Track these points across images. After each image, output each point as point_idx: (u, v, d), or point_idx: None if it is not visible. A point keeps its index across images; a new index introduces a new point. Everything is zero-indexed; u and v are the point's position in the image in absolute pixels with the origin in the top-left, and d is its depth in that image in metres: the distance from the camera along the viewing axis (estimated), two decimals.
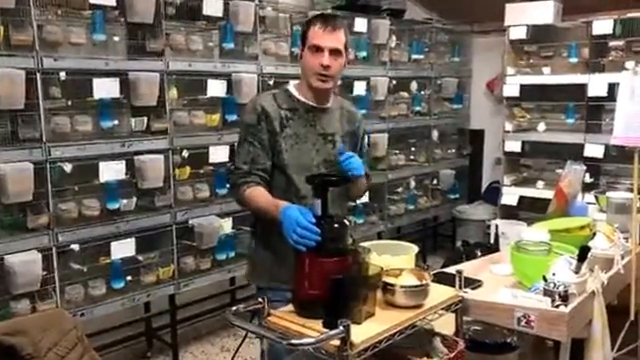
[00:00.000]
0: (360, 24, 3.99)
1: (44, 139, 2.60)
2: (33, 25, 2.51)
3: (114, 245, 2.86)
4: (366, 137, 2.23)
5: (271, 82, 3.43)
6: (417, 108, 4.67)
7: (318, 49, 1.87)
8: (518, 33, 4.31)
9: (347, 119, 2.08)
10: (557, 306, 1.75)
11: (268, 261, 1.97)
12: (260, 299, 1.64)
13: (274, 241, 1.88)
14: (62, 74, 2.63)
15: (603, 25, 3.94)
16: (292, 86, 2.01)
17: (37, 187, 2.57)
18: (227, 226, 3.32)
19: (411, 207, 4.69)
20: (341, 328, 1.42)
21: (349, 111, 2.11)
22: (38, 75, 2.54)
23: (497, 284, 2.00)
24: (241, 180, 1.91)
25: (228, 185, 3.20)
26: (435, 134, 4.90)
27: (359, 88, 4.06)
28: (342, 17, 2.00)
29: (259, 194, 1.88)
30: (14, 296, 2.54)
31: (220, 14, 3.19)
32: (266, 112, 1.91)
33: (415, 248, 1.98)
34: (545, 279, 1.82)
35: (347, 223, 1.68)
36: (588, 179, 3.76)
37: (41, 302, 2.62)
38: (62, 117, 2.68)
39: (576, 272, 1.86)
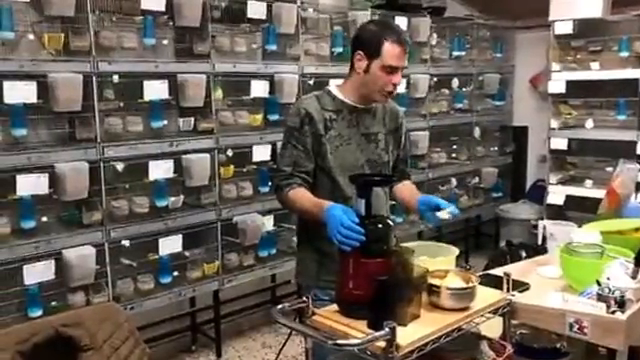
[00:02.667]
0: (400, 22, 4.09)
1: (98, 139, 2.82)
2: (90, 31, 2.74)
3: (162, 241, 3.07)
4: (408, 134, 2.33)
5: (311, 82, 3.60)
6: (458, 105, 4.77)
7: (394, 69, 1.92)
8: (564, 28, 4.31)
9: (390, 116, 2.14)
10: (613, 312, 1.71)
11: (314, 263, 2.04)
12: (305, 298, 1.69)
13: (319, 242, 1.96)
14: (115, 77, 2.85)
15: None
16: (334, 87, 2.06)
17: (92, 185, 2.78)
18: (269, 223, 3.51)
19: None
20: (387, 330, 1.43)
21: (392, 108, 2.17)
22: (94, 78, 2.76)
23: (545, 287, 1.99)
24: (284, 182, 1.97)
25: (270, 186, 3.37)
26: (477, 131, 4.98)
27: (399, 86, 4.19)
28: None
29: (302, 195, 1.94)
30: (70, 288, 2.76)
31: (263, 16, 3.37)
32: (310, 115, 1.97)
33: (455, 250, 1.97)
34: (599, 283, 1.79)
35: (391, 223, 1.72)
36: None
37: (94, 295, 2.84)
38: (115, 118, 2.91)
39: (633, 277, 1.82)
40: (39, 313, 2.62)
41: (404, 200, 2.19)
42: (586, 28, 4.34)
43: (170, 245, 3.11)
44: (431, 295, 1.70)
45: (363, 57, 1.95)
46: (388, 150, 2.12)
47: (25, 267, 2.61)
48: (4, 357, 1.79)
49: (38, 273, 2.65)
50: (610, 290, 1.75)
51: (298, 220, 2.17)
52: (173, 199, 3.11)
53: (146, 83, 2.94)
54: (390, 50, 1.90)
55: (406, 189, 2.22)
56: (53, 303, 2.72)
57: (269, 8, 3.39)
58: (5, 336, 1.87)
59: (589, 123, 4.35)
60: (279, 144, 2.23)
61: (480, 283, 1.77)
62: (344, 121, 2.02)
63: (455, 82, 4.72)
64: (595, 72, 4.27)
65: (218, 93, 3.29)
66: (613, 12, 4.23)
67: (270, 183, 3.41)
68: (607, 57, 4.30)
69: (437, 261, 1.88)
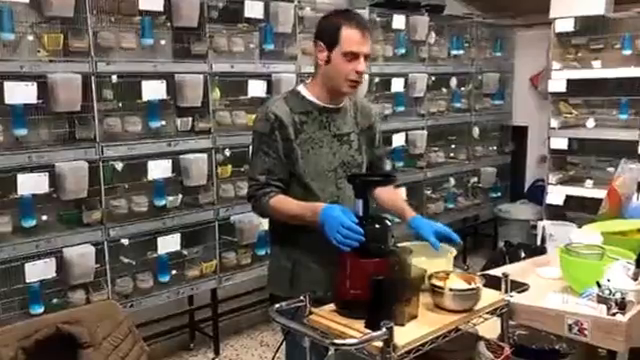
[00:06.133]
0: (398, 21, 4.20)
1: (98, 139, 2.91)
2: (89, 32, 2.83)
3: (161, 240, 3.16)
4: (380, 132, 2.23)
5: (309, 81, 3.68)
6: (457, 104, 4.84)
7: (355, 56, 1.88)
8: (565, 26, 4.34)
9: (362, 114, 2.09)
10: (613, 314, 1.71)
11: (287, 273, 2.01)
12: (302, 297, 1.69)
13: (293, 251, 1.97)
14: (114, 77, 2.94)
15: None
16: (303, 87, 2.02)
17: (91, 184, 2.87)
18: (266, 223, 3.59)
19: (451, 206, 4.85)
20: (384, 330, 1.44)
21: (364, 106, 2.12)
22: (93, 79, 2.86)
23: (544, 288, 1.99)
24: (260, 191, 1.94)
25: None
26: (476, 131, 5.05)
27: (397, 85, 4.27)
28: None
29: (288, 200, 1.92)
30: (71, 286, 2.86)
31: (261, 16, 3.45)
32: (279, 119, 1.92)
33: (453, 251, 1.97)
34: (599, 285, 1.79)
35: (389, 223, 1.72)
36: None
37: (94, 293, 2.93)
38: (114, 118, 3.00)
39: (634, 279, 1.81)
40: (40, 310, 2.72)
41: (389, 205, 2.14)
42: (588, 26, 4.38)
43: (169, 244, 3.20)
44: (433, 296, 1.72)
45: (324, 48, 1.91)
46: (361, 150, 2.08)
47: (27, 265, 2.71)
48: (8, 353, 1.88)
49: (39, 271, 2.74)
50: (611, 292, 1.75)
51: (270, 228, 2.15)
52: (171, 198, 3.21)
53: (144, 83, 3.02)
54: (348, 36, 1.87)
55: (385, 193, 2.15)
56: (54, 300, 2.82)
57: (266, 8, 3.47)
58: (9, 332, 1.95)
59: (590, 122, 4.37)
60: None
61: None
62: (314, 123, 1.97)
63: (454, 81, 4.80)
64: (597, 70, 4.29)
65: (216, 93, 3.38)
66: (616, 9, 4.25)
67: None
68: (609, 55, 4.33)
69: (435, 262, 1.90)
